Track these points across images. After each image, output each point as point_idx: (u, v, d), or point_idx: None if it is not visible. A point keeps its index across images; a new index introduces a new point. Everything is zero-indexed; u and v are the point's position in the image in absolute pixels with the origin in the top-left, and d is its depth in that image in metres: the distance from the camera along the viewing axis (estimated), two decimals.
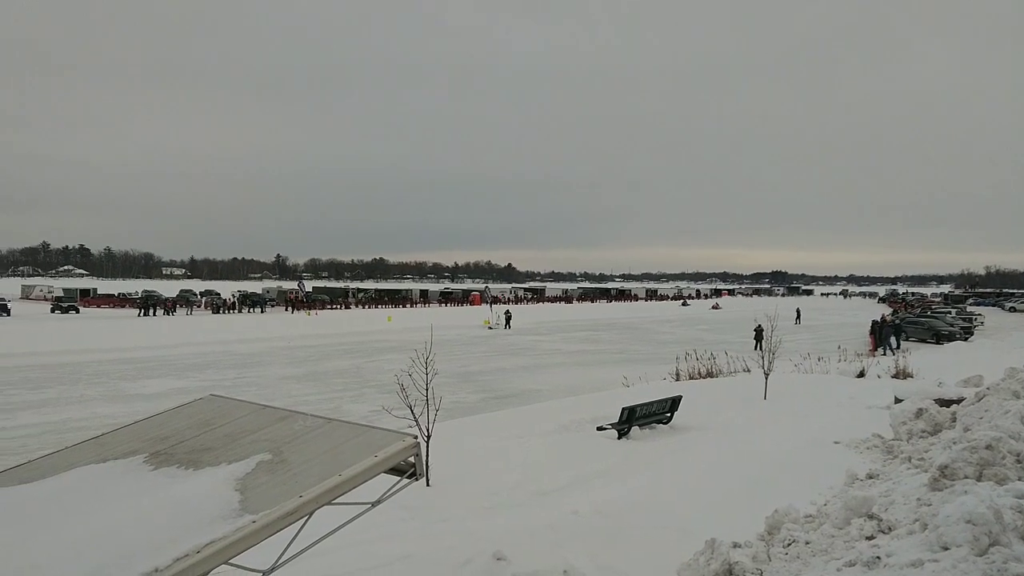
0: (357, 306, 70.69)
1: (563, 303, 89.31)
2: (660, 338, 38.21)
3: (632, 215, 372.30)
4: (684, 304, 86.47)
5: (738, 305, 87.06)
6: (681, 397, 13.02)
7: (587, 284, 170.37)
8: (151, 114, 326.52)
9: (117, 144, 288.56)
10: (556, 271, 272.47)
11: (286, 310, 61.20)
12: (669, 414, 12.77)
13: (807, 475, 8.10)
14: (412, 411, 9.00)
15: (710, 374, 20.26)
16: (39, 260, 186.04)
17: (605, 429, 12.01)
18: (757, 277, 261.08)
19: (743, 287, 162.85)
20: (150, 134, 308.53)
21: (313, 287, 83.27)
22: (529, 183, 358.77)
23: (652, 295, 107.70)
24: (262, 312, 59.30)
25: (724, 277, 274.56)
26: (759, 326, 24.89)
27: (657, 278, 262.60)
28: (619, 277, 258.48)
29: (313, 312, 58.32)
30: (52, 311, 54.05)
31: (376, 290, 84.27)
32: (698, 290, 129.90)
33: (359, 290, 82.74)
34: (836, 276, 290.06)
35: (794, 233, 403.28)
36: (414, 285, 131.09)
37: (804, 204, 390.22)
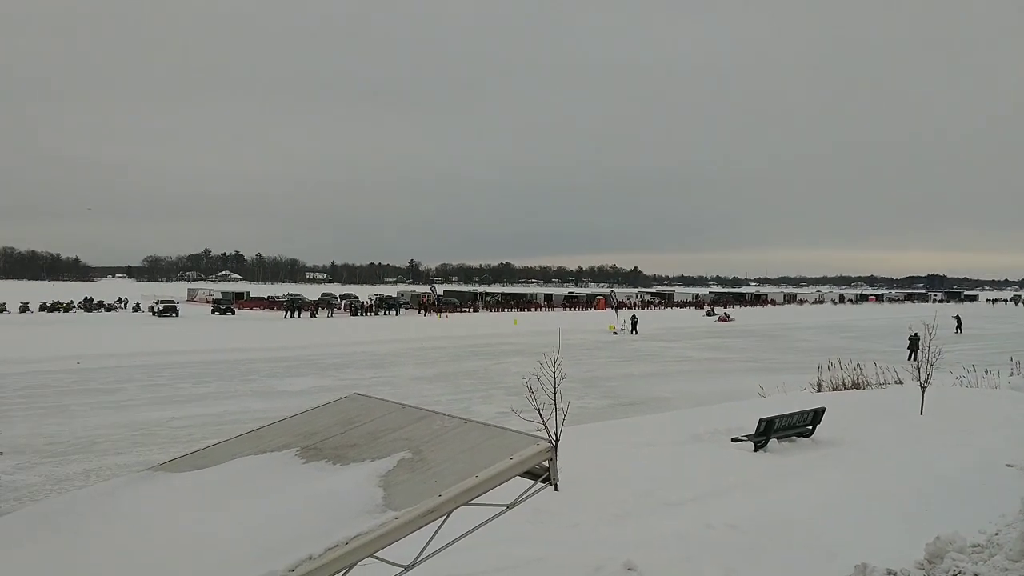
0: (485, 309, 72.50)
1: (693, 308, 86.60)
2: (798, 346, 36.10)
3: (769, 215, 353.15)
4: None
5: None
6: (824, 409, 12.23)
7: (719, 288, 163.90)
8: (295, 126, 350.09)
9: (265, 156, 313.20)
10: (685, 275, 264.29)
11: (419, 313, 63.85)
12: (811, 427, 12.04)
13: (974, 500, 7.35)
14: (540, 414, 9.05)
15: (856, 385, 18.85)
16: (201, 266, 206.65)
17: (740, 441, 11.50)
18: (909, 281, 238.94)
19: (893, 292, 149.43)
20: (294, 146, 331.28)
21: (444, 291, 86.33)
22: (658, 183, 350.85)
23: (791, 299, 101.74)
24: (396, 315, 62.28)
25: (871, 281, 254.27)
26: (915, 334, 22.89)
27: (796, 282, 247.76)
28: (754, 281, 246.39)
29: (444, 315, 60.36)
30: (212, 312, 59.72)
31: (503, 294, 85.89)
32: (841, 295, 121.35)
33: (486, 294, 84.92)
34: (1007, 280, 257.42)
35: (954, 232, 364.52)
36: (539, 289, 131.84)
37: (966, 200, 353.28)
